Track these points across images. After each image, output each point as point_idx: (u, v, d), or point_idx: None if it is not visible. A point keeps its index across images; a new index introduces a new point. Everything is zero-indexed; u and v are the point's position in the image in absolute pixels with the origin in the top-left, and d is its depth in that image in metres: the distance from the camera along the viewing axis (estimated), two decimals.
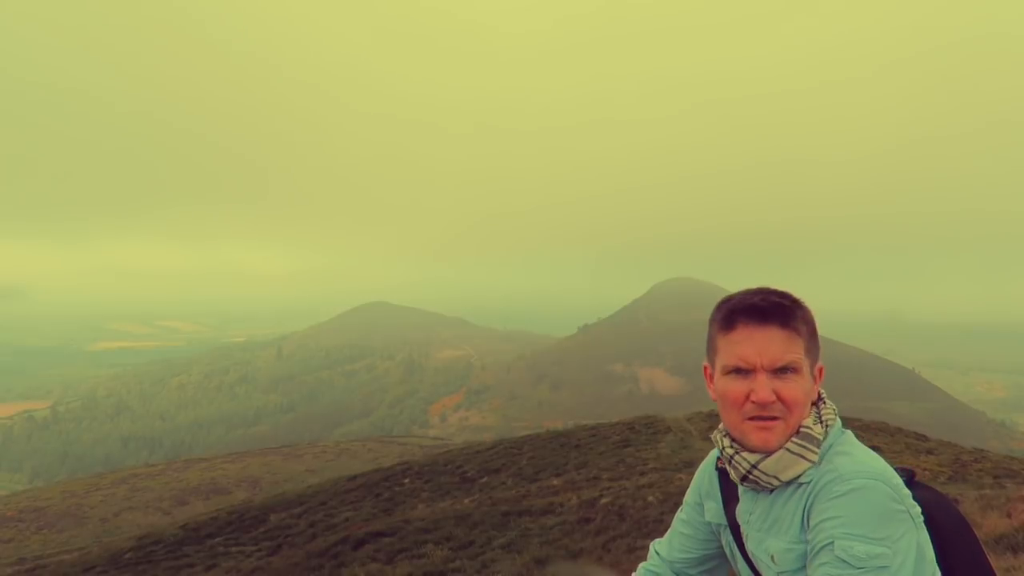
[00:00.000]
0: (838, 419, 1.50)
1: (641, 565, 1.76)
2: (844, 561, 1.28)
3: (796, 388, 1.43)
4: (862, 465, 1.37)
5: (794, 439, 1.43)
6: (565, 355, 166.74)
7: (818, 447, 1.43)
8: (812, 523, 1.37)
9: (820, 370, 1.50)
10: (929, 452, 17.00)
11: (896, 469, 1.47)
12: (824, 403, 1.50)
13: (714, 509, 1.64)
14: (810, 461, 1.41)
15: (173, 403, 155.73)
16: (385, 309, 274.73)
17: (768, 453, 1.44)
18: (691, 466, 14.22)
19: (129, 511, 33.87)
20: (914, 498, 1.40)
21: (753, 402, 1.43)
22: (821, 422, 1.46)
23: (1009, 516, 5.52)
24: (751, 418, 1.44)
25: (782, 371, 1.42)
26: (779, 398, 1.42)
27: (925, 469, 13.44)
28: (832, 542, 1.31)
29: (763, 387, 1.42)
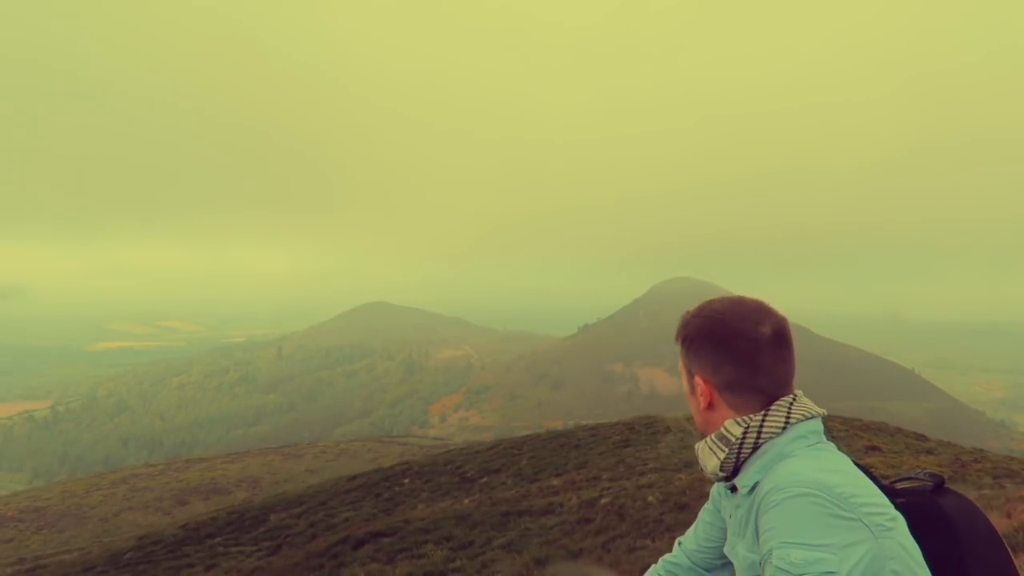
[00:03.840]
0: (792, 430, 1.46)
1: (662, 558, 1.81)
2: (783, 569, 1.28)
3: (689, 397, 1.62)
4: (798, 475, 1.35)
5: (711, 436, 1.54)
6: (565, 355, 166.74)
7: (726, 446, 1.49)
8: (760, 534, 1.38)
9: (703, 383, 1.56)
10: (929, 452, 16.99)
11: (927, 475, 1.49)
12: (769, 412, 1.48)
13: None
14: (717, 458, 1.50)
15: (173, 403, 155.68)
16: (385, 309, 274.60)
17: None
18: (691, 466, 14.23)
19: (129, 511, 33.85)
20: (941, 505, 1.40)
21: None
22: (743, 426, 1.48)
23: (1009, 516, 5.52)
24: None
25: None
26: None
27: (925, 469, 13.42)
28: (771, 552, 1.30)
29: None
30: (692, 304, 1.63)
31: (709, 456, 1.52)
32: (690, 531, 1.79)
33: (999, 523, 5.28)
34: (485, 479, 17.88)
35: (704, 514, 1.76)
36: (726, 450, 1.48)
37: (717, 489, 1.71)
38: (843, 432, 18.74)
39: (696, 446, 1.57)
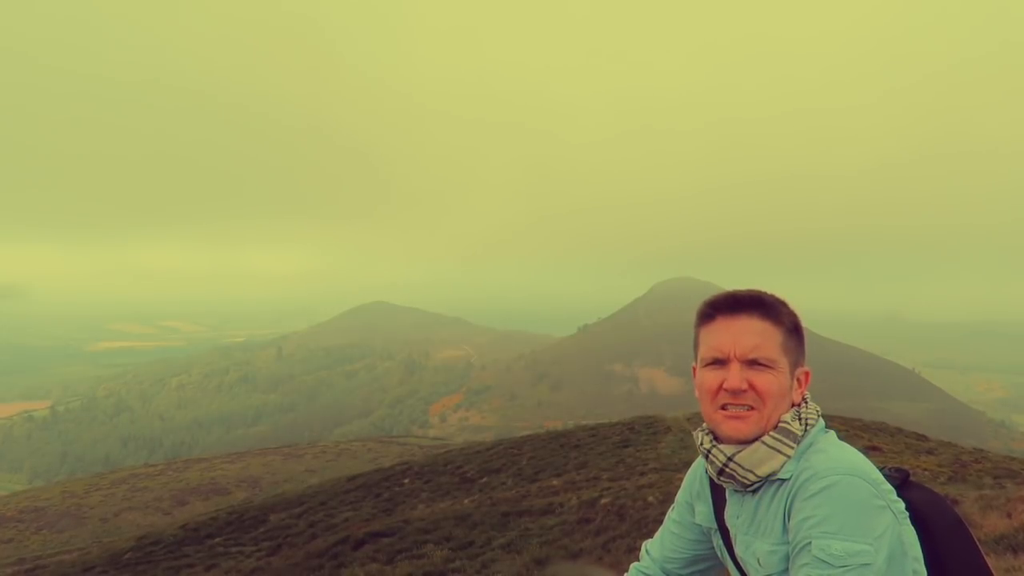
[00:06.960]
0: (820, 420, 1.48)
1: (633, 565, 1.75)
2: (823, 561, 1.25)
3: (770, 381, 1.41)
4: (837, 461, 1.35)
5: (771, 433, 1.41)
6: (565, 355, 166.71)
7: (795, 443, 1.41)
8: (791, 523, 1.34)
9: (805, 374, 1.49)
10: (929, 452, 16.99)
11: (890, 470, 1.45)
12: (807, 404, 1.48)
13: (704, 512, 1.62)
14: (785, 455, 1.39)
15: (173, 403, 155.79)
16: (385, 309, 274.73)
17: (742, 445, 1.42)
18: (691, 466, 14.20)
19: (129, 511, 33.85)
20: (908, 499, 1.39)
21: (725, 390, 1.42)
22: (801, 420, 1.44)
23: (1009, 516, 5.51)
24: (723, 407, 1.43)
25: (755, 363, 1.41)
26: (752, 388, 1.41)
27: (925, 469, 13.42)
28: (810, 542, 1.28)
29: (735, 375, 1.41)
30: (693, 304, 1.56)
31: (770, 456, 1.40)
32: (656, 538, 1.73)
33: (999, 523, 5.27)
34: (485, 479, 17.87)
35: (671, 524, 1.70)
36: (795, 446, 1.41)
37: (691, 494, 1.66)
38: (843, 432, 18.73)
39: (750, 450, 1.41)
